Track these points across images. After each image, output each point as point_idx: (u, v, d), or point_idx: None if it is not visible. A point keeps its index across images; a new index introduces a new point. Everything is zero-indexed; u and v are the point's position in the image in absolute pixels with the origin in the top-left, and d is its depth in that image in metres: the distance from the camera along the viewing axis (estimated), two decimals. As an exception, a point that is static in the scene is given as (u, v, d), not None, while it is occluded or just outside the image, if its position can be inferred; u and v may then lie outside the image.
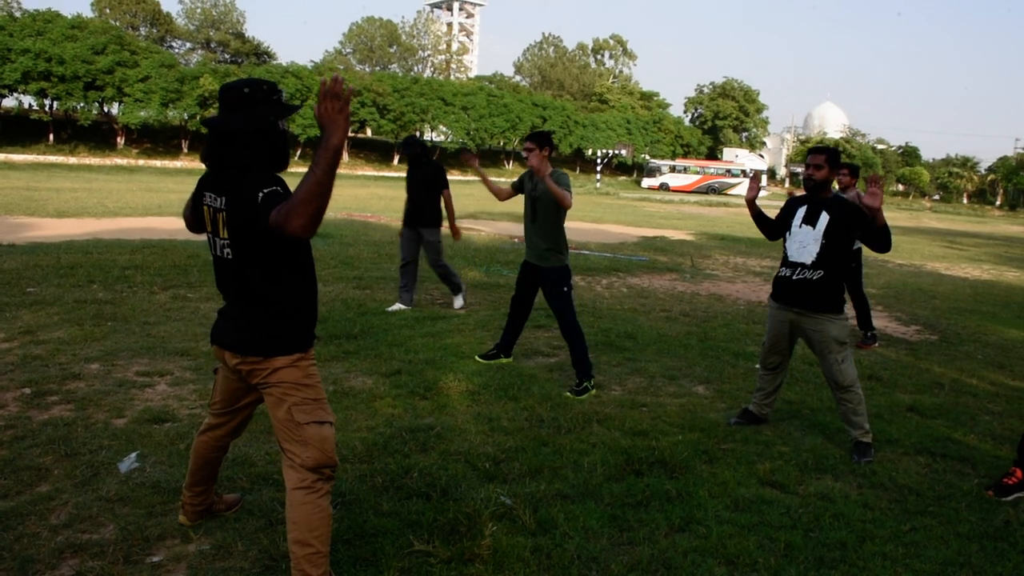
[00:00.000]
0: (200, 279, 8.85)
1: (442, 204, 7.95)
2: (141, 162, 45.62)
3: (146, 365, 5.53)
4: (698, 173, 65.69)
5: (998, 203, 77.33)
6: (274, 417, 2.85)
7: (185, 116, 47.79)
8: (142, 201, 20.17)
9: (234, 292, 2.88)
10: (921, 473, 4.37)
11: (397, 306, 7.96)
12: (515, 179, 6.06)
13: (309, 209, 2.44)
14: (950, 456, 4.66)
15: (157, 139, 49.64)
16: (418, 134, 59.86)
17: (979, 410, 5.74)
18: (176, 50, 62.92)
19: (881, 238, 4.45)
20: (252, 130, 2.77)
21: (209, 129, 2.84)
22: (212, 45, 64.47)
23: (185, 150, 49.56)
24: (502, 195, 6.19)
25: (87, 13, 55.66)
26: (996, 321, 9.75)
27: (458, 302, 8.28)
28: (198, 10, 64.55)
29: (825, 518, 3.67)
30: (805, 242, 4.58)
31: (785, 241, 4.76)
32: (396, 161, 58.10)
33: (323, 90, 2.44)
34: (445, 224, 8.06)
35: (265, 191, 2.63)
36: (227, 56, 64.03)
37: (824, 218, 4.53)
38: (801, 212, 4.66)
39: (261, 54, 64.98)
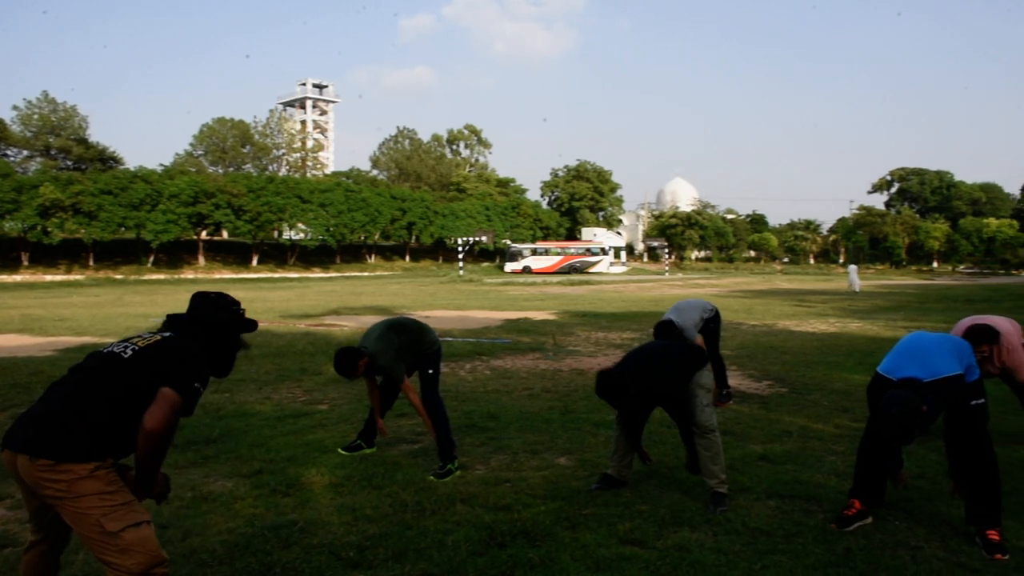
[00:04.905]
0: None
1: None
2: (-24, 278, 42.96)
3: (-16, 489, 5.21)
4: (559, 254, 67.69)
5: (841, 260, 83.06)
6: (80, 534, 2.73)
7: (24, 227, 45.51)
8: (-22, 319, 18.96)
9: (65, 392, 2.85)
10: (771, 515, 4.67)
11: None
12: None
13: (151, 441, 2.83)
14: (798, 496, 5.00)
15: (-7, 253, 46.94)
16: (276, 233, 59.21)
17: (825, 452, 6.16)
18: (11, 158, 60.01)
19: None
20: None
21: None
22: (52, 152, 61.95)
23: (25, 263, 46.94)
24: (377, 392, 6.03)
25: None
26: (840, 369, 10.44)
27: None
28: (35, 116, 62.05)
29: (682, 567, 3.87)
30: None
31: None
32: (255, 262, 57.05)
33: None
34: None
35: (186, 374, 2.94)
36: (69, 163, 61.68)
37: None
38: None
39: (107, 159, 62.93)
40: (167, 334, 3.07)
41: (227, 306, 3.23)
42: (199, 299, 3.23)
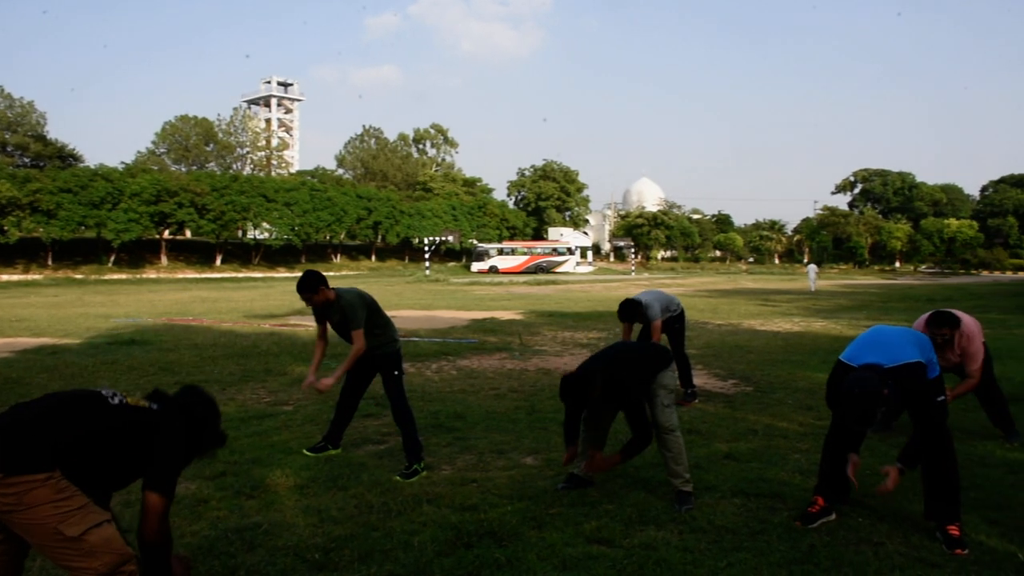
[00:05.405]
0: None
1: None
2: (-70, 278, 41.95)
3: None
4: (526, 254, 67.75)
5: (805, 260, 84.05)
6: (37, 544, 2.66)
7: (-20, 225, 44.53)
8: (-68, 319, 18.51)
9: (47, 404, 2.80)
10: (737, 513, 4.70)
11: None
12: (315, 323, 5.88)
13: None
14: (763, 495, 5.03)
15: (-54, 252, 45.79)
16: (240, 233, 58.56)
17: (789, 450, 6.21)
18: (-37, 155, 58.64)
19: None
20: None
21: None
22: (8, 148, 60.65)
23: (-18, 263, 45.97)
24: (323, 344, 5.93)
25: None
26: (805, 368, 10.55)
27: None
28: (-11, 111, 60.70)
29: (648, 565, 3.88)
30: None
31: None
32: (219, 262, 56.38)
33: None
34: None
35: (169, 471, 2.97)
36: (27, 160, 60.44)
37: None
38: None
39: (66, 157, 61.79)
40: (154, 406, 3.06)
41: (213, 410, 3.28)
42: (191, 391, 3.27)
